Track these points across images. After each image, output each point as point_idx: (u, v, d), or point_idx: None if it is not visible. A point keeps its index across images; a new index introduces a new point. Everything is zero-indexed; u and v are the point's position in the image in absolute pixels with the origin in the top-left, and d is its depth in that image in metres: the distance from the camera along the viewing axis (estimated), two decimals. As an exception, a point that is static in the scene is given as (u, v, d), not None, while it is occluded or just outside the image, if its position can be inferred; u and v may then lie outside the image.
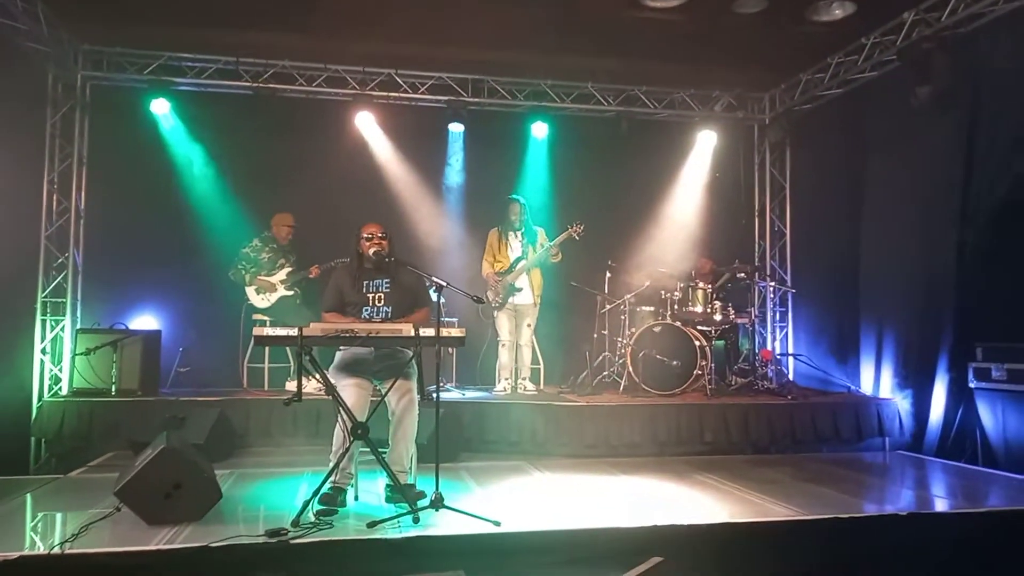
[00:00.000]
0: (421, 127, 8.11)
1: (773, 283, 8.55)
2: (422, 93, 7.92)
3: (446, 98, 7.91)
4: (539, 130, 8.21)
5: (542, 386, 7.44)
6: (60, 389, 6.98)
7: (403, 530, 3.84)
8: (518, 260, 7.12)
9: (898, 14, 6.56)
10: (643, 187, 8.69)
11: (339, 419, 4.23)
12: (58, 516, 4.49)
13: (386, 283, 4.64)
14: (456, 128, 8.15)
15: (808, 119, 8.29)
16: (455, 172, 8.41)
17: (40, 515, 4.60)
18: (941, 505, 4.97)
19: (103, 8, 6.79)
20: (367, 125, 7.91)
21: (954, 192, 6.32)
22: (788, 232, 8.80)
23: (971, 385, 6.06)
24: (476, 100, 8.03)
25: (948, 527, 4.35)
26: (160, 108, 7.43)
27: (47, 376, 7.01)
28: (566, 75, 8.12)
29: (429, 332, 4.15)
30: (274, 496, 4.66)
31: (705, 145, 8.62)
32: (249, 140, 7.79)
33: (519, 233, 7.19)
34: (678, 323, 7.08)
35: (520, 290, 7.09)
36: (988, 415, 5.95)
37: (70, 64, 7.24)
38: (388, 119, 7.98)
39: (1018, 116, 5.77)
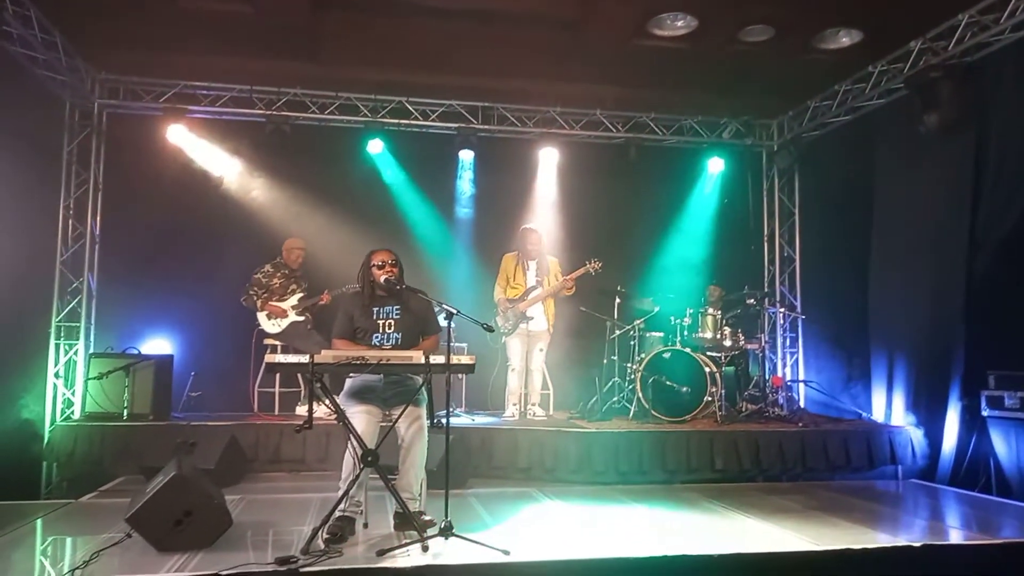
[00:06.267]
0: (431, 153, 8.19)
1: (783, 309, 8.53)
2: (433, 120, 8.00)
3: (456, 125, 7.99)
4: (548, 157, 8.27)
5: (551, 412, 7.44)
6: (72, 413, 7.02)
7: (412, 559, 3.83)
8: (532, 289, 7.15)
9: (905, 43, 6.60)
10: (652, 213, 8.75)
11: (349, 446, 4.23)
12: (68, 541, 4.50)
13: (396, 309, 4.66)
14: (466, 155, 8.22)
15: (816, 145, 8.33)
16: (465, 198, 8.47)
17: (50, 540, 4.61)
18: (955, 536, 4.91)
19: (120, 39, 6.95)
20: (378, 151, 7.99)
21: (963, 218, 6.31)
22: (797, 258, 8.80)
23: (984, 413, 6.02)
24: (486, 127, 8.11)
25: (963, 559, 4.30)
26: (175, 135, 7.52)
27: (60, 400, 7.05)
28: (575, 102, 8.20)
29: (440, 359, 4.17)
30: (283, 522, 4.65)
31: (714, 171, 8.67)
32: (262, 166, 7.90)
33: (534, 262, 7.23)
34: (688, 349, 7.07)
35: (532, 318, 7.11)
36: (1002, 444, 5.90)
37: (87, 93, 7.38)
38: (399, 146, 8.07)
39: (1026, 143, 5.80)
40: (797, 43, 6.98)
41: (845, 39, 6.94)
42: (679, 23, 6.75)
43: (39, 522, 4.83)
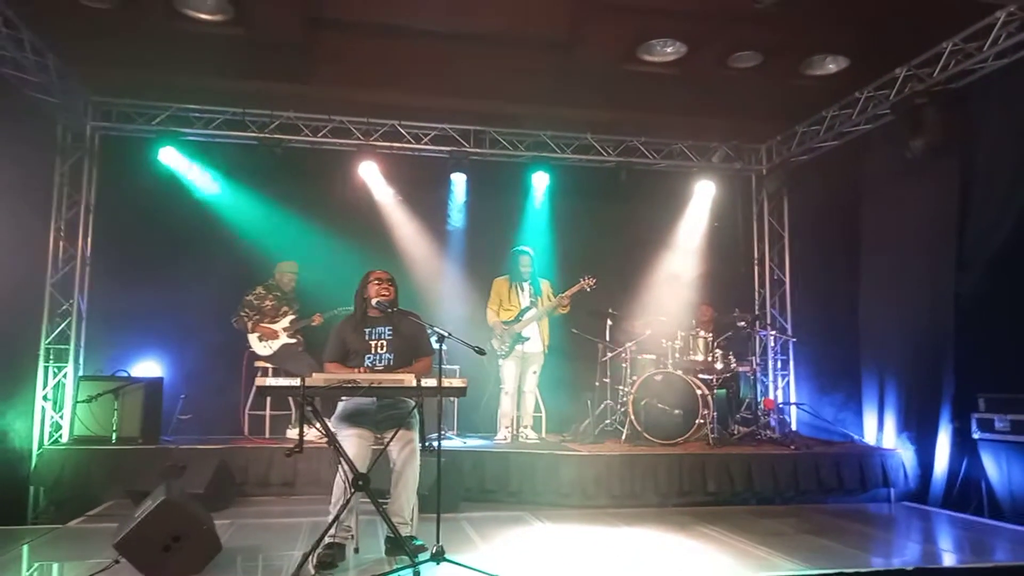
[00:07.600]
0: (424, 177, 8.23)
1: (774, 332, 8.57)
2: (425, 143, 8.05)
3: (448, 148, 8.04)
4: (540, 181, 8.32)
5: (543, 435, 7.41)
6: (61, 437, 6.94)
7: (404, 584, 3.81)
8: (526, 310, 7.16)
9: (891, 69, 6.71)
10: (643, 236, 8.79)
11: (340, 470, 4.21)
12: (55, 567, 4.45)
13: (388, 331, 4.66)
14: (458, 178, 8.26)
15: (805, 169, 8.40)
16: (457, 221, 8.49)
17: (37, 565, 4.54)
18: (948, 559, 4.92)
19: (113, 61, 6.96)
20: (371, 174, 8.02)
21: (951, 240, 6.39)
22: (787, 280, 8.85)
23: (975, 436, 6.05)
24: (478, 150, 8.16)
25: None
26: (167, 157, 7.53)
27: (48, 423, 6.98)
28: (566, 126, 8.26)
29: (431, 382, 4.16)
30: (274, 547, 4.61)
31: (704, 195, 8.74)
32: (254, 189, 7.90)
33: (527, 284, 7.25)
34: (679, 371, 7.08)
35: (528, 339, 7.12)
36: (993, 466, 5.92)
37: (79, 115, 7.40)
38: (391, 169, 8.10)
39: (1010, 167, 5.87)
40: (785, 69, 7.07)
41: (832, 65, 7.04)
42: (668, 49, 6.84)
43: (26, 547, 4.76)
